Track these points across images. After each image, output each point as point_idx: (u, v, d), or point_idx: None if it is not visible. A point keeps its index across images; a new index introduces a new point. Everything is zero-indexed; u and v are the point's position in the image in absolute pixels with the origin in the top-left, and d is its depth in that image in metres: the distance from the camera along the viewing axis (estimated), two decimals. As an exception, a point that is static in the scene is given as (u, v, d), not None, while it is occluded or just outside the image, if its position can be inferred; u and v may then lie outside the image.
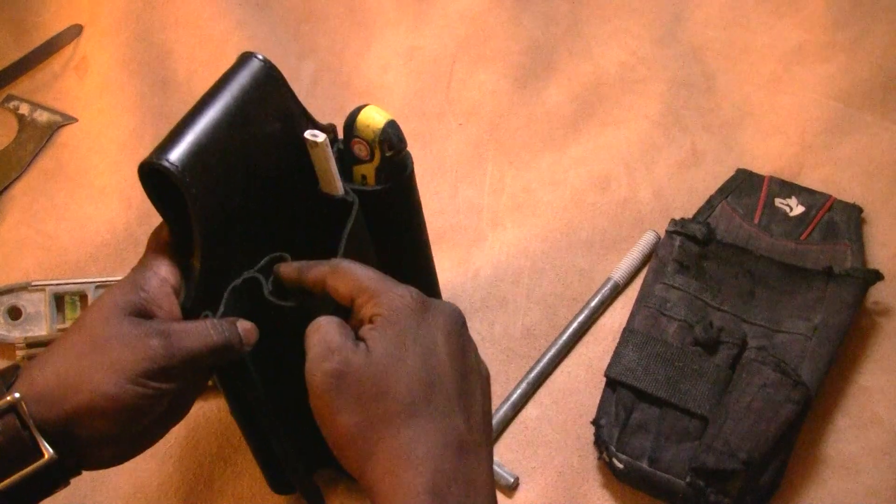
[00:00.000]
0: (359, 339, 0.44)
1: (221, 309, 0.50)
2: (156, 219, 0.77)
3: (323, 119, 0.83)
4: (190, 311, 0.50)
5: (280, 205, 0.53)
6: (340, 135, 0.55)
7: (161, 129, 0.82)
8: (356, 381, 0.42)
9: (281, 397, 0.54)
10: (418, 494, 0.40)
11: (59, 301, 0.72)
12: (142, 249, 0.75)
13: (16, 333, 0.71)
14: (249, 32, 0.87)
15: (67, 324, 0.71)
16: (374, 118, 0.53)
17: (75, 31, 0.88)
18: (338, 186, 0.53)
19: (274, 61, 0.85)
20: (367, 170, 0.54)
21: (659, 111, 0.82)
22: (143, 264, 0.50)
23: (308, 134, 0.51)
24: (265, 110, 0.50)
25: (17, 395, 0.43)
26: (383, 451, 0.41)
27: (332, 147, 0.54)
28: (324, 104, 0.85)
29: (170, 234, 0.50)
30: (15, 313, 0.72)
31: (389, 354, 0.42)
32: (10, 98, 0.85)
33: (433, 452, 0.41)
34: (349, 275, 0.46)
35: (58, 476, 0.45)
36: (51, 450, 0.43)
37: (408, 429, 0.41)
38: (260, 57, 0.50)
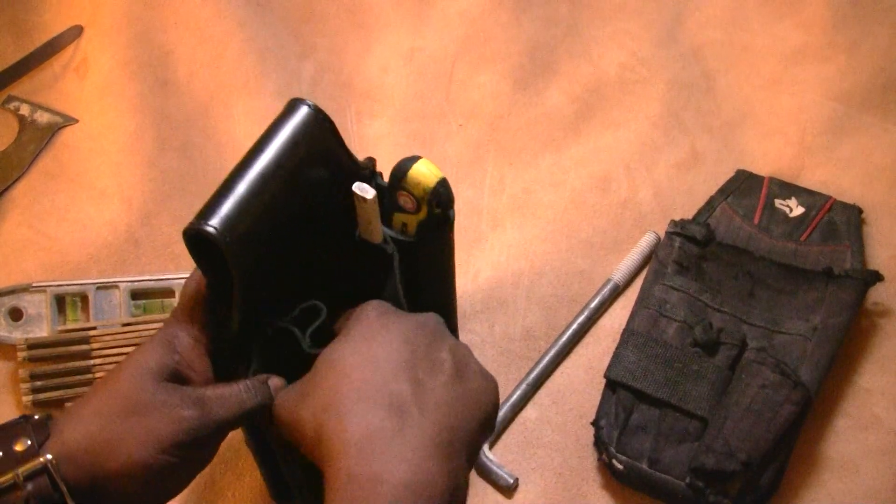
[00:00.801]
0: None
1: (254, 365, 0.49)
2: (156, 220, 0.78)
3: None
4: (225, 369, 0.49)
5: (317, 248, 0.52)
6: (378, 167, 0.54)
7: (162, 129, 0.82)
8: (295, 407, 0.45)
9: None
10: (346, 449, 0.40)
11: (60, 302, 0.72)
12: (142, 250, 0.77)
13: (17, 335, 0.71)
14: (250, 33, 0.87)
15: (69, 325, 0.71)
16: (425, 175, 0.51)
17: (76, 32, 0.88)
18: (377, 235, 0.52)
19: (274, 62, 0.86)
20: (410, 220, 0.54)
21: (659, 112, 0.82)
22: (177, 319, 0.49)
23: (357, 188, 0.49)
24: (312, 159, 0.49)
25: (49, 456, 0.43)
26: (322, 427, 0.42)
27: (371, 182, 0.53)
28: (324, 105, 0.83)
29: (208, 287, 0.49)
30: (16, 314, 0.72)
31: (334, 357, 0.45)
32: (10, 99, 0.85)
33: (363, 412, 0.41)
34: (344, 313, 0.50)
35: None
36: None
37: (338, 399, 0.42)
38: (309, 104, 0.49)
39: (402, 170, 0.52)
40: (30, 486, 0.43)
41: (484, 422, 0.45)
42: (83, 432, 0.44)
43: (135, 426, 0.44)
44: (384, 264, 0.53)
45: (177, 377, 0.47)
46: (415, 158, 0.52)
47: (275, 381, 0.49)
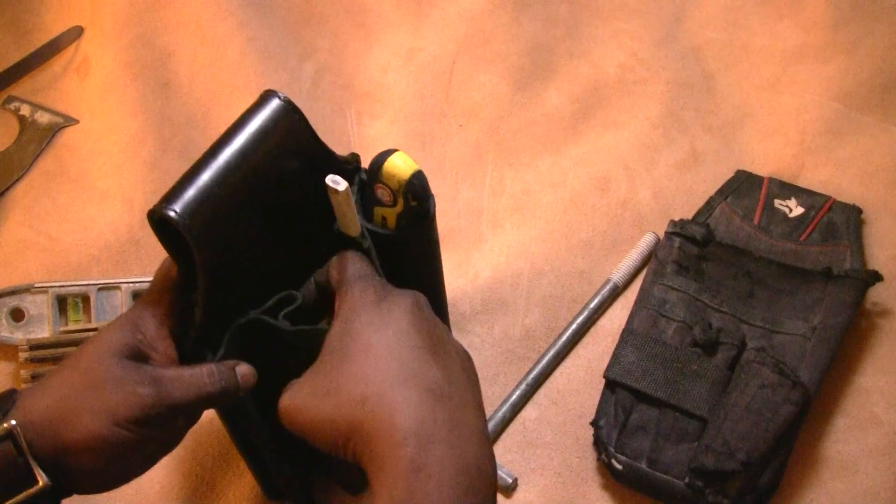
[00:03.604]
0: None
1: (222, 351, 0.50)
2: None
3: (325, 121, 0.83)
4: (190, 353, 0.50)
5: (294, 240, 0.52)
6: (364, 163, 0.55)
7: (163, 131, 0.82)
8: (311, 391, 0.44)
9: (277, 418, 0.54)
10: (405, 439, 0.40)
11: (61, 303, 0.73)
12: (144, 251, 0.77)
13: (19, 335, 0.71)
14: (250, 34, 0.87)
15: (70, 326, 0.72)
16: (400, 168, 0.52)
17: (76, 33, 0.89)
18: (355, 228, 0.53)
19: (275, 63, 0.86)
20: (389, 213, 0.54)
21: (658, 112, 0.82)
22: (145, 302, 0.50)
23: (329, 180, 0.49)
24: (284, 149, 0.49)
25: (13, 422, 0.45)
26: (362, 420, 0.41)
27: (354, 177, 0.53)
28: (324, 105, 0.85)
29: (178, 273, 0.50)
30: (18, 315, 0.72)
31: (342, 346, 0.44)
32: (11, 99, 0.85)
33: (411, 400, 0.41)
34: (341, 265, 0.50)
35: (51, 500, 0.46)
36: (45, 477, 0.45)
37: (377, 388, 0.42)
38: (281, 96, 0.49)
39: (377, 163, 0.52)
40: None
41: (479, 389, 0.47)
42: (45, 404, 0.46)
43: (91, 399, 0.46)
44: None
45: (139, 356, 0.48)
46: (390, 152, 0.52)
47: (242, 368, 0.50)
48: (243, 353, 0.51)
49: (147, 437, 0.47)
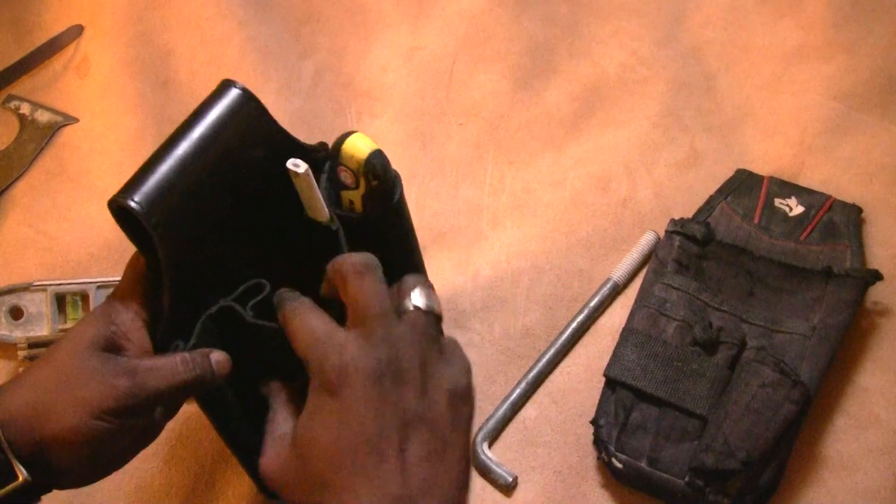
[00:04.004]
0: None
1: (193, 339, 0.49)
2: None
3: (325, 120, 0.83)
4: (161, 343, 0.50)
5: (263, 229, 0.52)
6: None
7: (163, 129, 0.82)
8: (285, 479, 0.43)
9: (264, 413, 0.54)
10: None
11: (60, 301, 0.72)
12: (143, 250, 0.77)
13: (17, 333, 0.71)
14: (250, 33, 0.87)
15: (69, 324, 0.72)
16: (358, 148, 0.52)
17: (76, 32, 0.89)
18: (323, 212, 0.52)
19: (275, 62, 0.86)
20: (354, 196, 0.54)
21: (659, 111, 0.82)
22: (117, 295, 0.50)
23: (290, 164, 0.49)
24: (246, 138, 0.49)
25: None
26: None
27: (324, 165, 0.53)
28: (324, 104, 0.85)
29: (146, 265, 0.50)
30: (17, 313, 0.72)
31: (307, 440, 0.42)
32: (10, 98, 0.85)
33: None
34: (298, 335, 0.44)
35: (31, 495, 0.46)
36: (25, 472, 0.45)
37: (329, 493, 0.40)
38: (238, 85, 0.49)
39: (336, 145, 0.52)
40: None
41: (470, 424, 0.43)
42: (23, 399, 0.46)
43: (68, 393, 0.46)
44: (334, 243, 0.53)
45: (113, 348, 0.48)
46: (350, 133, 0.52)
47: (216, 356, 0.49)
48: (219, 342, 0.51)
49: (125, 428, 0.47)
